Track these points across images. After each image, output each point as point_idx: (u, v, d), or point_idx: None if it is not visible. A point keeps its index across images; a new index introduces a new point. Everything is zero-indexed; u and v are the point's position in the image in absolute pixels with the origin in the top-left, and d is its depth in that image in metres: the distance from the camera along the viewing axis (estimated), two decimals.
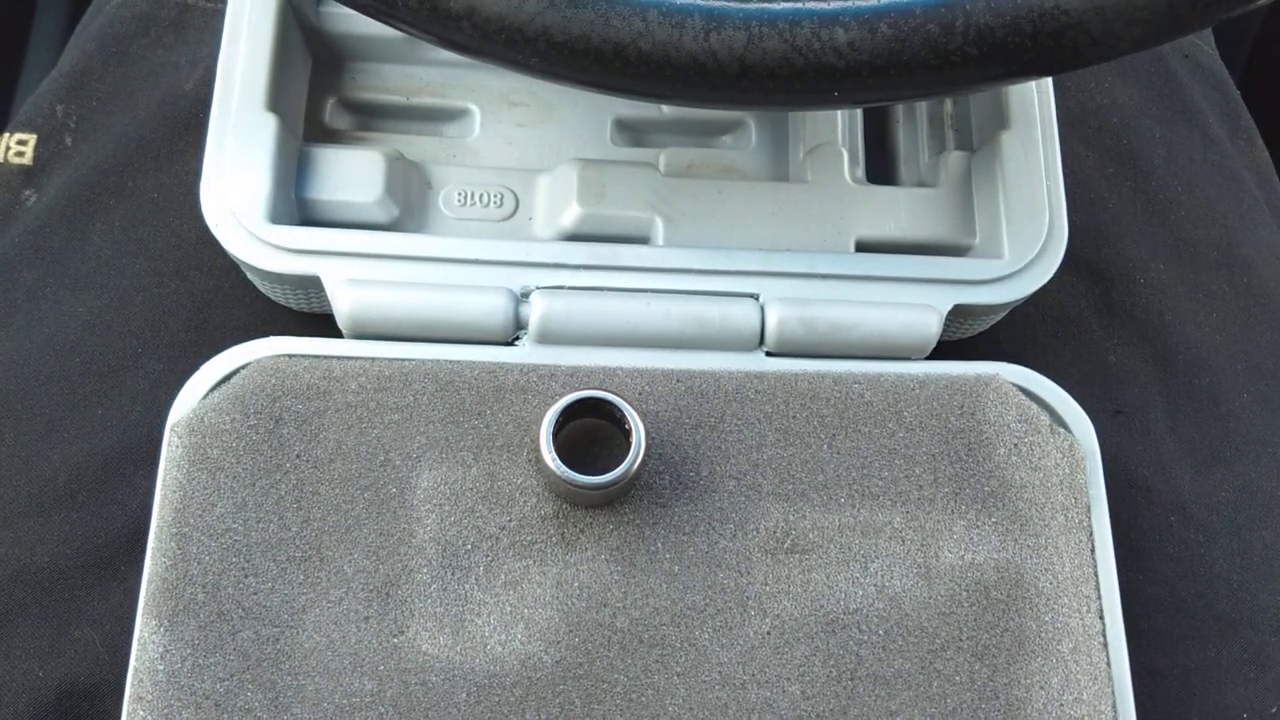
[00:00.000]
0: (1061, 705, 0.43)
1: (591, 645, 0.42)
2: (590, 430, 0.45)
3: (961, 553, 0.45)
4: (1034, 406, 0.47)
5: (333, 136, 0.54)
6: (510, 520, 0.44)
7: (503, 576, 0.43)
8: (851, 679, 0.43)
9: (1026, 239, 0.50)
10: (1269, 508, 0.55)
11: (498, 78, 0.55)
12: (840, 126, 0.54)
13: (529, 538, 0.43)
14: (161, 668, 0.41)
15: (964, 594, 0.44)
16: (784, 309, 0.47)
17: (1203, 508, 0.55)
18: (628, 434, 0.43)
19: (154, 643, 0.41)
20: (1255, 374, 0.58)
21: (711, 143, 0.57)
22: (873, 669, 0.43)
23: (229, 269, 0.52)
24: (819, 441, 0.46)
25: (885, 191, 0.52)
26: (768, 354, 0.48)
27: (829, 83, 0.40)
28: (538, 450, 0.42)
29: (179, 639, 0.41)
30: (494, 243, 0.47)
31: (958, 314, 0.49)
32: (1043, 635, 0.44)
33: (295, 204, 0.49)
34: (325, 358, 0.45)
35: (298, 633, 0.42)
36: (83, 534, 0.48)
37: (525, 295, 0.47)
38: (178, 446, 0.43)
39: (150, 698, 0.40)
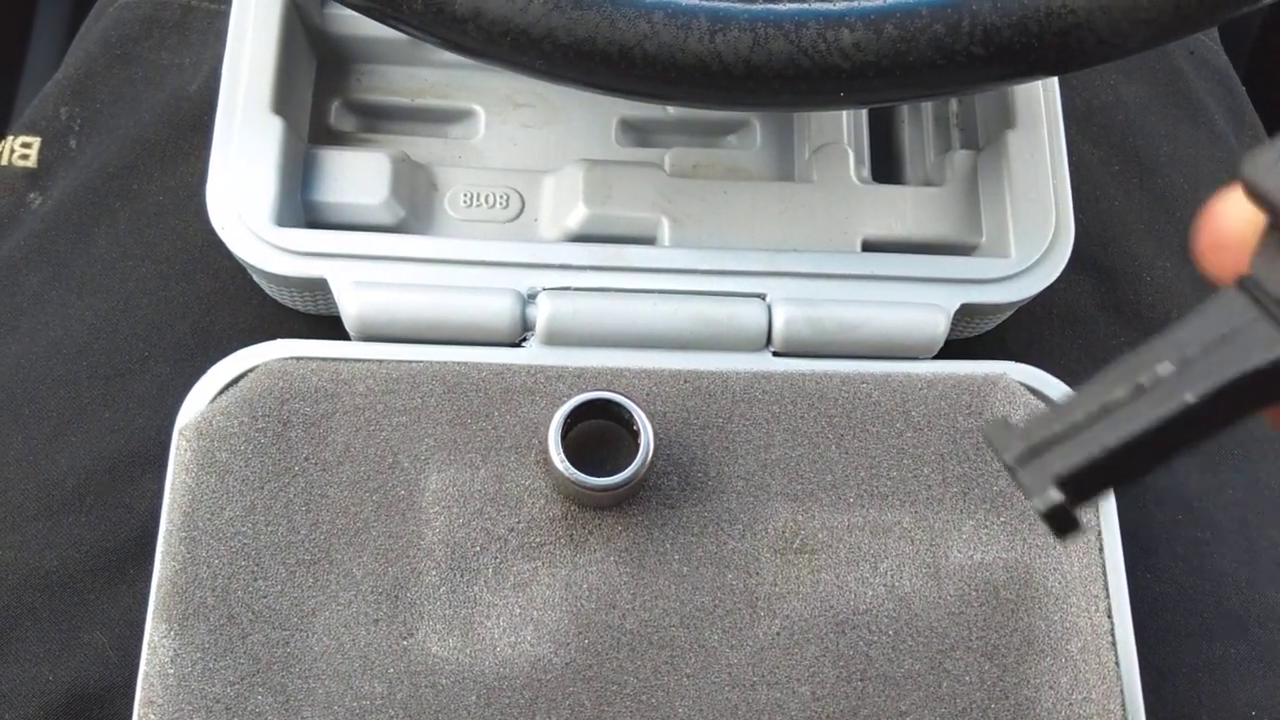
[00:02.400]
0: (1070, 704, 0.43)
1: (601, 647, 0.42)
2: (598, 432, 0.45)
3: (970, 552, 0.45)
4: (1042, 405, 0.47)
5: (338, 138, 0.54)
6: (519, 522, 0.44)
7: (511, 578, 0.43)
8: (861, 679, 0.43)
9: (1033, 238, 0.50)
10: (1277, 505, 0.55)
11: (502, 79, 0.55)
12: (846, 126, 0.54)
13: (537, 539, 0.43)
14: (172, 671, 0.41)
15: (973, 594, 0.44)
16: (791, 309, 0.47)
17: (1211, 505, 0.55)
18: (636, 435, 0.43)
19: (164, 646, 0.41)
20: None
21: (717, 143, 0.57)
22: (882, 669, 0.43)
23: (235, 271, 0.52)
24: (827, 441, 0.46)
25: (891, 191, 0.52)
26: (775, 354, 0.48)
27: (835, 84, 0.40)
28: (546, 452, 0.42)
29: (189, 642, 0.41)
30: (500, 244, 0.47)
31: (965, 313, 0.49)
32: (1052, 635, 0.44)
33: (301, 206, 0.49)
34: (333, 360, 0.45)
35: (307, 636, 0.42)
36: (91, 538, 0.48)
37: (532, 296, 0.47)
38: (186, 450, 0.43)
39: (161, 701, 0.40)
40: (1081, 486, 0.21)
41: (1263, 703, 0.51)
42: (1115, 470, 0.22)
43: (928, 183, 0.55)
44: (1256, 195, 0.22)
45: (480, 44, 0.40)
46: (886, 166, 0.57)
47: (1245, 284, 0.22)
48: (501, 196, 0.52)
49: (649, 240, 0.50)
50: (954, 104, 0.56)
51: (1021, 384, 0.48)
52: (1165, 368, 0.22)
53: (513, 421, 0.45)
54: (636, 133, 0.56)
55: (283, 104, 0.48)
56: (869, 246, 0.51)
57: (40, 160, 0.56)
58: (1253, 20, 0.93)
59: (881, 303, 0.48)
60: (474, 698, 0.41)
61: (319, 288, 0.47)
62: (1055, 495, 0.21)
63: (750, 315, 0.47)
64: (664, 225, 0.50)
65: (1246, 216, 0.23)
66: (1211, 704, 0.51)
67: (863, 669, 0.43)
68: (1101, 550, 0.46)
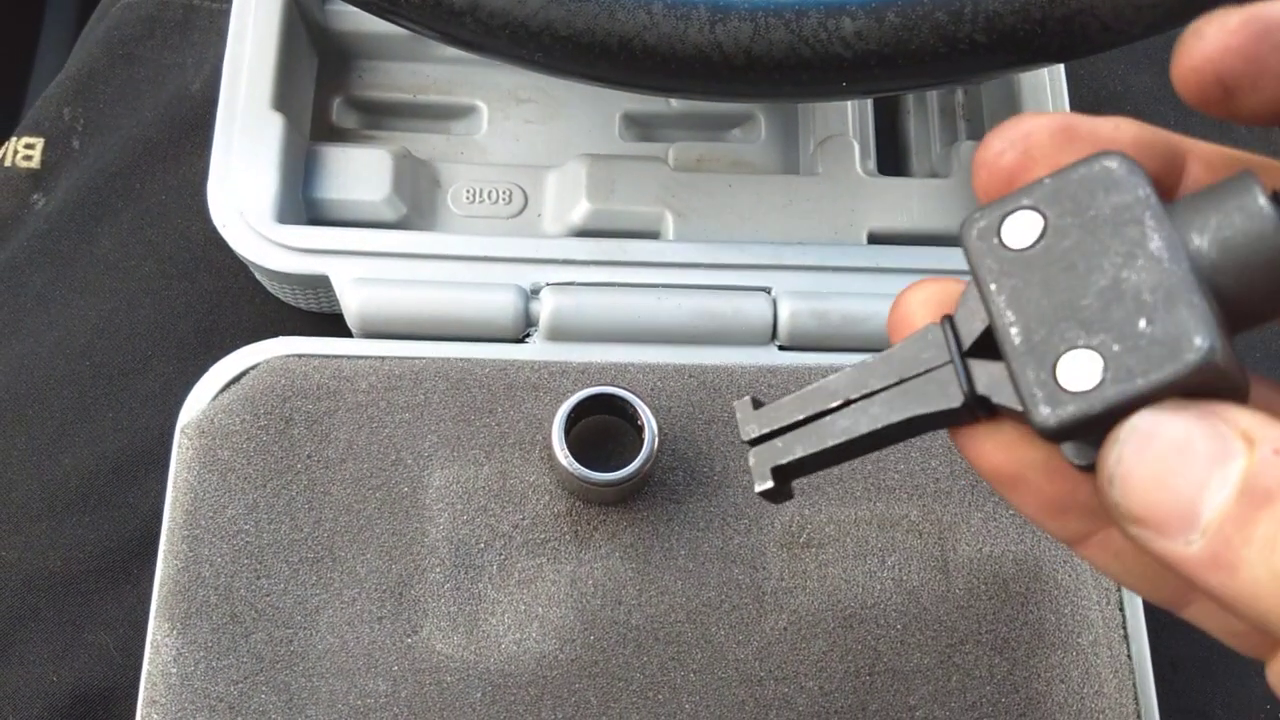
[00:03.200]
0: (1082, 698, 0.43)
1: (606, 643, 0.42)
2: (602, 426, 0.44)
3: (979, 545, 0.44)
4: None
5: (340, 135, 0.54)
6: (523, 518, 0.43)
7: (516, 575, 0.43)
8: (870, 674, 0.43)
9: None
10: None
11: (505, 74, 0.55)
12: (850, 118, 0.54)
13: (542, 535, 0.43)
14: (175, 671, 0.40)
15: (982, 587, 0.44)
16: (796, 302, 0.47)
17: None
18: (640, 430, 0.42)
19: (167, 645, 0.41)
20: (1275, 361, 0.57)
21: (721, 136, 0.57)
22: (891, 663, 0.43)
23: (237, 269, 0.52)
24: None
25: (897, 183, 0.52)
26: (780, 348, 0.48)
27: (837, 73, 0.40)
28: (550, 447, 0.42)
29: (192, 641, 0.41)
30: (503, 240, 0.47)
31: None
32: (1062, 628, 0.44)
33: (303, 203, 0.49)
34: (335, 357, 0.45)
35: (311, 634, 0.41)
36: (95, 537, 0.48)
37: (535, 292, 0.47)
38: (188, 448, 0.43)
39: (164, 701, 0.40)
40: (788, 474, 0.27)
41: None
42: (814, 465, 0.27)
43: (934, 174, 0.55)
44: (964, 249, 0.25)
45: (479, 38, 0.40)
46: (892, 159, 0.57)
47: (947, 324, 0.26)
48: (504, 192, 0.52)
49: (653, 235, 0.50)
50: (959, 94, 0.56)
51: None
52: (868, 390, 0.26)
53: (516, 417, 0.45)
54: (640, 127, 0.56)
55: (284, 101, 0.48)
56: (875, 239, 0.51)
57: (43, 161, 0.56)
58: None
59: (887, 295, 0.48)
60: (479, 695, 0.41)
61: (321, 285, 0.47)
62: (769, 483, 0.27)
63: (755, 309, 0.47)
64: (668, 219, 0.50)
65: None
66: (1225, 697, 0.51)
67: (871, 663, 0.43)
68: None
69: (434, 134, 0.55)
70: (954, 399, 0.25)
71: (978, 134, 0.54)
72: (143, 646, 0.41)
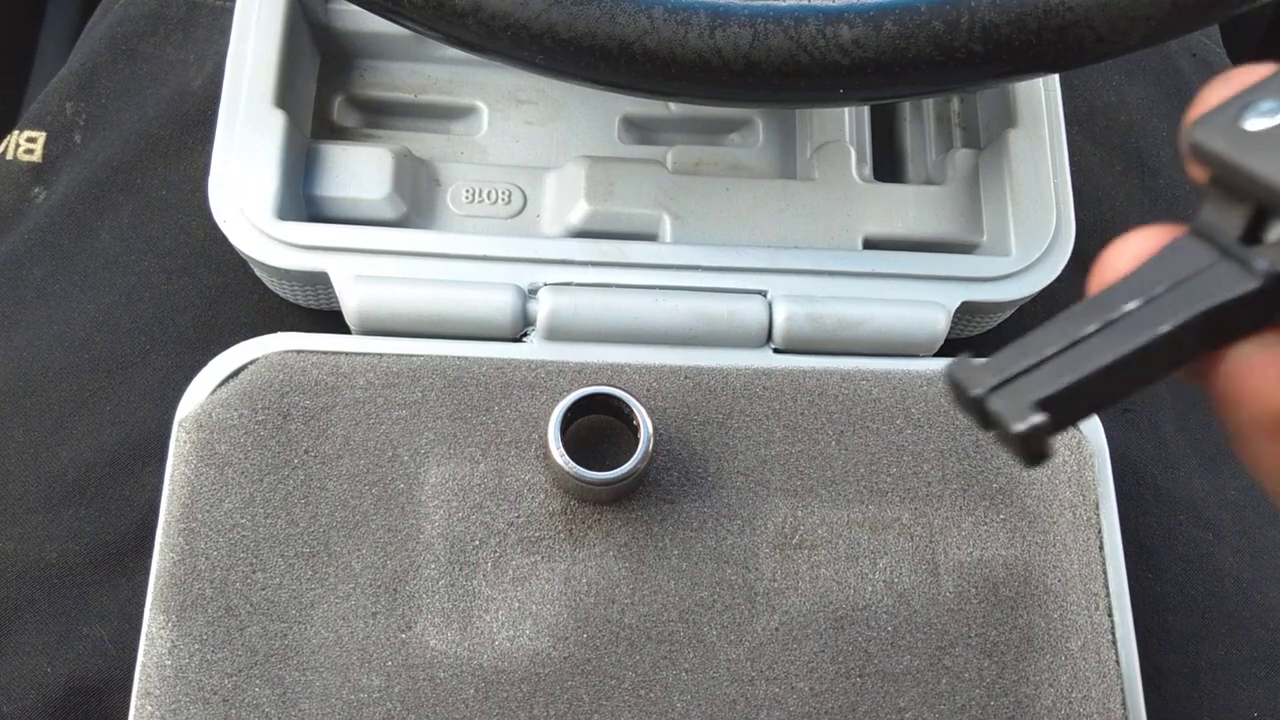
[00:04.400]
0: (1070, 702, 0.43)
1: (599, 641, 0.42)
2: (598, 426, 0.45)
3: (970, 549, 0.45)
4: None
5: (341, 133, 0.54)
6: (518, 516, 0.44)
7: (510, 572, 0.43)
8: (860, 675, 0.43)
9: (1034, 236, 0.50)
10: None
11: (506, 75, 0.55)
12: (847, 124, 0.54)
13: (537, 534, 0.43)
14: (169, 663, 0.41)
15: (972, 591, 0.44)
16: (792, 306, 0.47)
17: (1212, 506, 0.55)
18: (635, 430, 0.43)
19: (162, 638, 0.41)
20: None
21: (719, 140, 0.57)
22: (881, 665, 0.43)
23: (237, 265, 0.52)
24: (827, 438, 0.46)
25: (893, 189, 0.52)
26: (775, 351, 0.48)
27: (834, 80, 0.40)
28: (546, 446, 0.42)
29: (187, 634, 0.41)
30: (502, 239, 0.47)
31: (965, 311, 0.49)
32: (1051, 632, 0.44)
33: (303, 200, 0.49)
34: (333, 354, 0.45)
35: (306, 628, 0.42)
36: (91, 530, 0.49)
37: (533, 292, 0.47)
38: (186, 442, 0.43)
39: (158, 693, 0.40)
40: (1063, 410, 0.22)
41: (1265, 703, 0.51)
42: (1094, 395, 0.22)
43: (929, 181, 0.55)
44: (1201, 154, 0.23)
45: (481, 39, 0.40)
46: (888, 165, 0.57)
47: (1198, 232, 0.23)
48: (504, 192, 0.52)
49: (650, 237, 0.51)
50: (955, 103, 0.56)
51: None
52: (1132, 305, 0.22)
53: (513, 416, 0.45)
54: (639, 130, 0.56)
55: (286, 99, 0.49)
56: (870, 244, 0.51)
57: (45, 155, 0.56)
58: (1255, 21, 0.93)
59: (882, 300, 0.48)
60: (472, 691, 0.41)
61: (320, 281, 0.47)
62: (1038, 418, 0.22)
63: (751, 312, 0.48)
64: (665, 222, 0.50)
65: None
66: (1213, 704, 0.51)
67: (861, 665, 0.43)
68: (1102, 549, 0.46)
69: (434, 134, 0.55)
70: (1248, 280, 0.22)
71: (973, 142, 0.55)
72: (138, 639, 0.41)
